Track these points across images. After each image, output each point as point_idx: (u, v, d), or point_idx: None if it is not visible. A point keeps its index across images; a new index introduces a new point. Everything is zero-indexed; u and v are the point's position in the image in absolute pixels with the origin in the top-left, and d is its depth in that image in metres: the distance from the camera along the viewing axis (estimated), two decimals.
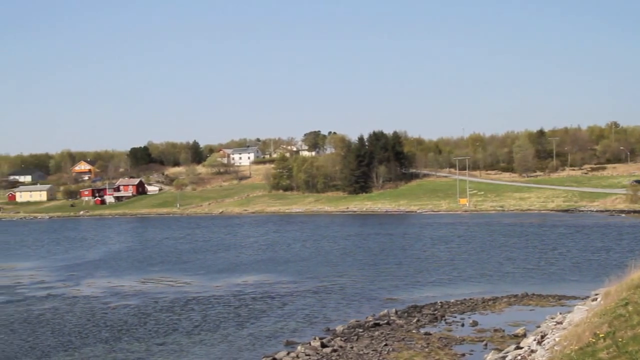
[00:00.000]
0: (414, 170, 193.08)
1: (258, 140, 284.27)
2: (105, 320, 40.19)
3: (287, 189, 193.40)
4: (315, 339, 32.52)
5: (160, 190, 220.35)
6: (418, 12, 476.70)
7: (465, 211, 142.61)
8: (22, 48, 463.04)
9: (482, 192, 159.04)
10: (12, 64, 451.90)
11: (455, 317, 37.58)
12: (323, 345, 31.16)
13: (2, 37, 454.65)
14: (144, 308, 43.82)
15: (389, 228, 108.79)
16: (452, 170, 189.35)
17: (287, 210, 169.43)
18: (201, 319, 40.06)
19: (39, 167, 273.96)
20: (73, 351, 33.23)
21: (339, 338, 32.76)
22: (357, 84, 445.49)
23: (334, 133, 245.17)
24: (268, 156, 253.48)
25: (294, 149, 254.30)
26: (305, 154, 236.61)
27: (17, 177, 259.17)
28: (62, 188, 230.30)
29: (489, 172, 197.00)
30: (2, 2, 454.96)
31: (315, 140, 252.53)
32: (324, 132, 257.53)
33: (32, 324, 39.81)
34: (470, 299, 42.99)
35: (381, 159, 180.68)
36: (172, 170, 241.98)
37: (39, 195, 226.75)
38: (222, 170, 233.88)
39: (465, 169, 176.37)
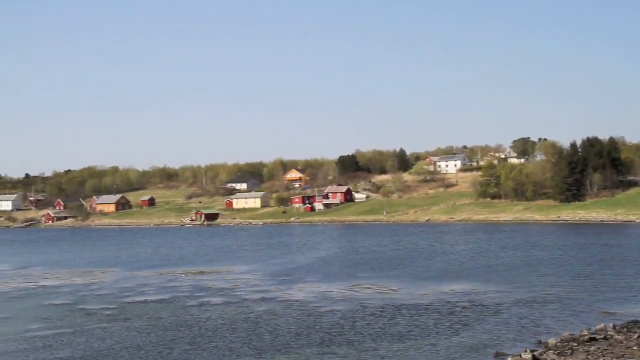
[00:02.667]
0: (632, 178, 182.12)
1: (465, 147, 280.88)
2: (317, 324, 41.44)
3: (494, 197, 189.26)
4: (526, 351, 31.63)
5: (367, 198, 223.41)
6: None
7: None
8: (235, 64, 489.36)
9: None
10: (228, 77, 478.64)
11: None
12: (535, 359, 30.25)
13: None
14: (354, 313, 44.68)
15: (605, 238, 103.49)
16: None
17: (494, 219, 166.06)
18: (410, 325, 40.24)
19: (253, 175, 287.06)
20: (287, 351, 34.61)
21: (552, 352, 31.64)
22: (568, 88, 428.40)
23: (545, 140, 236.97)
24: (475, 164, 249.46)
25: (502, 157, 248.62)
26: (514, 161, 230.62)
27: (234, 185, 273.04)
28: (274, 195, 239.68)
29: None
30: None
31: (524, 147, 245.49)
32: (534, 138, 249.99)
33: (251, 324, 41.89)
34: None
35: (596, 166, 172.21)
36: (379, 178, 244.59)
37: (254, 202, 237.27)
38: (428, 178, 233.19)
39: None
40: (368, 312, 44.89)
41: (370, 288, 57.06)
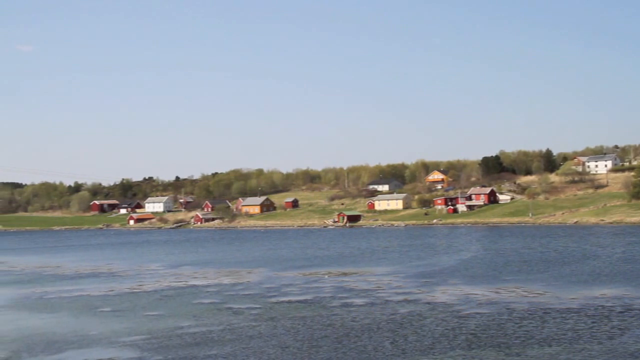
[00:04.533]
0: None
1: (616, 147, 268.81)
2: (462, 326, 40.68)
3: None
4: None
5: (511, 199, 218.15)
6: None
7: None
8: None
9: None
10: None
11: None
12: None
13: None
14: (499, 317, 43.55)
15: None
16: None
17: None
18: (560, 329, 38.80)
19: (395, 176, 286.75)
20: (433, 352, 34.20)
21: None
22: None
23: None
24: (627, 163, 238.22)
25: None
26: None
27: (375, 186, 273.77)
28: (416, 197, 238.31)
29: None
30: None
31: None
32: None
33: (395, 325, 41.66)
34: None
35: None
36: (523, 179, 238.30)
37: (395, 203, 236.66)
38: (576, 178, 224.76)
39: None
40: (515, 315, 43.68)
41: (516, 291, 55.48)
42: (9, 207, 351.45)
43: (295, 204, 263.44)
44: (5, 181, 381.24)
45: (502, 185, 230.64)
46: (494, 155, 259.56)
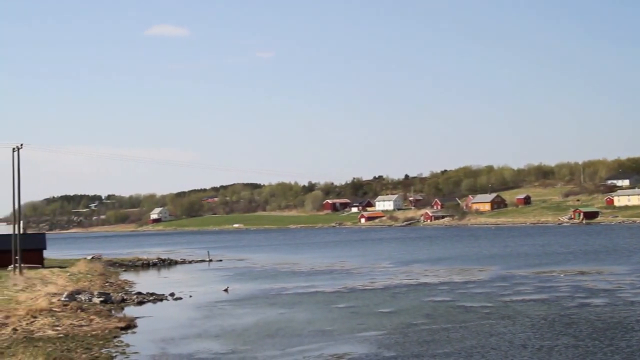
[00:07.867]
0: None
1: None
2: None
3: None
4: None
5: None
6: None
7: None
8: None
9: None
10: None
11: None
12: None
13: None
14: None
15: None
16: None
17: None
18: None
19: (636, 170, 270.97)
20: None
21: None
22: None
23: None
24: None
25: None
26: None
27: (614, 181, 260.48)
28: None
29: None
30: None
31: None
32: None
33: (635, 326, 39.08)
34: None
35: None
36: None
37: (637, 199, 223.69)
38: None
39: None
40: None
41: None
42: (249, 206, 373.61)
43: (527, 200, 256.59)
44: (246, 182, 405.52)
45: None
46: None
